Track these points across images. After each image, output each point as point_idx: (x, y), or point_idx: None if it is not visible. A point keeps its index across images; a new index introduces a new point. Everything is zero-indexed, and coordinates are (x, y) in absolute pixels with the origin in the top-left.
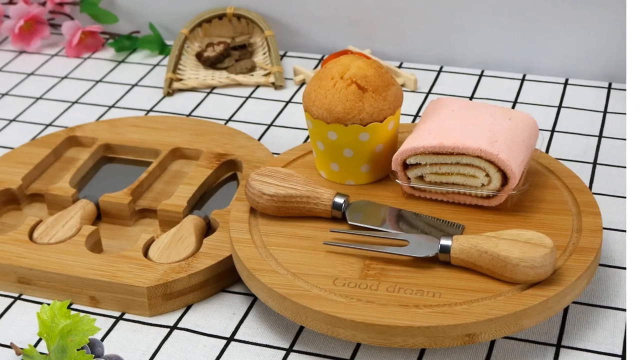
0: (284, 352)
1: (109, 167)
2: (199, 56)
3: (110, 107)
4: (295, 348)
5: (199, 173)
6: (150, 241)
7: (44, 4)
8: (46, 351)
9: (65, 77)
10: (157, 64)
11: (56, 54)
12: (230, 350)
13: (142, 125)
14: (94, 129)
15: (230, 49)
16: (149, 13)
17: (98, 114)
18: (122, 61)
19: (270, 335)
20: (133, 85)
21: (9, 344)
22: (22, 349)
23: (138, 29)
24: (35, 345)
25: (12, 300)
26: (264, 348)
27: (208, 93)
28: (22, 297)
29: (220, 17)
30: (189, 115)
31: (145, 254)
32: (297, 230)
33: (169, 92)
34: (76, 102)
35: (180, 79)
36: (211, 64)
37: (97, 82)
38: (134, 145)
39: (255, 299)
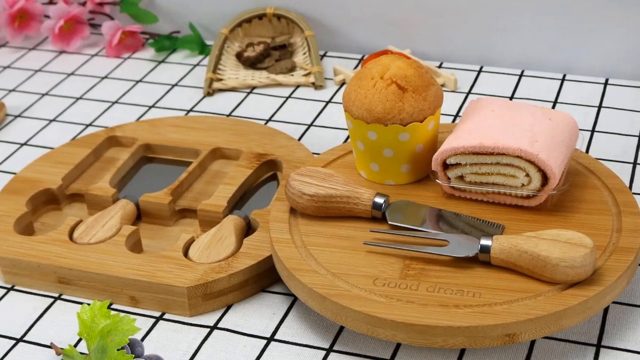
0: (324, 352)
1: (149, 167)
2: (239, 56)
3: (150, 107)
4: (335, 348)
5: (239, 173)
6: (190, 241)
7: (84, 4)
8: (86, 351)
9: (105, 77)
10: (197, 64)
11: (96, 54)
12: (271, 350)
13: (182, 125)
14: (134, 129)
15: (270, 49)
16: (189, 13)
17: (138, 114)
18: (162, 61)
19: (310, 335)
20: (173, 85)
21: (49, 344)
22: (62, 349)
23: (178, 29)
24: (75, 345)
25: (52, 300)
26: (304, 348)
27: (248, 93)
28: (62, 297)
29: (260, 17)
30: (229, 115)
31: (186, 254)
32: (337, 230)
33: (209, 92)
34: (116, 102)
35: (221, 79)
36: (251, 64)
37: (137, 82)
38: (174, 145)
39: (295, 299)
